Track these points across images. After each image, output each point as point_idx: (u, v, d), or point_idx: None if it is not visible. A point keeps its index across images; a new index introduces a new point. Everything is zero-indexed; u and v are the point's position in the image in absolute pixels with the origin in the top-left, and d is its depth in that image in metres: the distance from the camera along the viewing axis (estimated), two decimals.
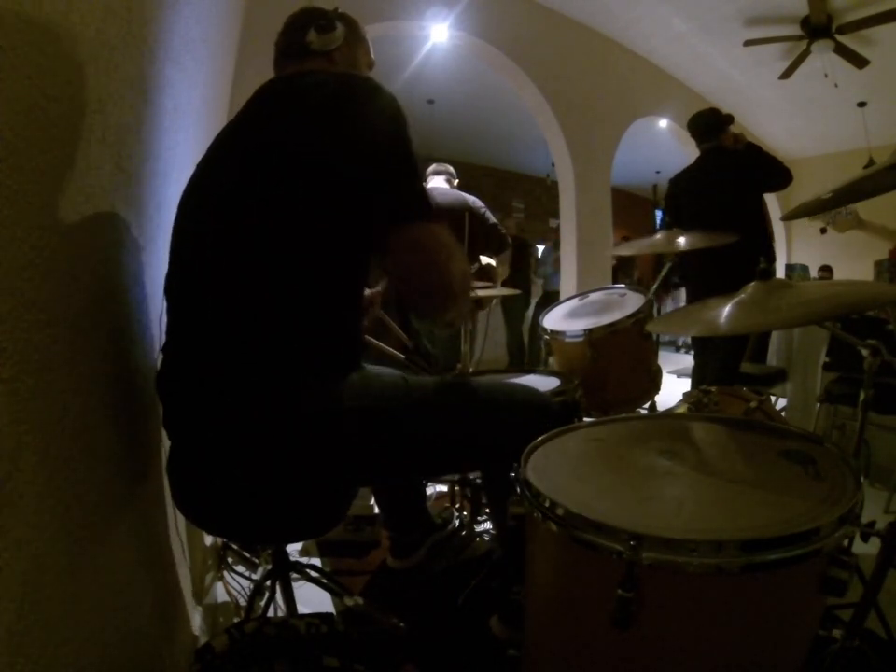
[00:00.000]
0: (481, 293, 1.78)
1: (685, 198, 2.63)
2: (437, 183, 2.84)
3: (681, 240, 1.90)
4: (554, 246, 5.24)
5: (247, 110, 0.92)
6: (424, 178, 0.94)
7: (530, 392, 1.06)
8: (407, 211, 0.87)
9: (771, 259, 2.56)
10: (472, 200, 2.73)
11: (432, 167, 2.94)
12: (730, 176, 2.48)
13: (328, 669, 0.85)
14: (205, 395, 0.82)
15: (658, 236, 1.95)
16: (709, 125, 2.59)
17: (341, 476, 0.89)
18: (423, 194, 0.90)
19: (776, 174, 2.49)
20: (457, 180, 2.97)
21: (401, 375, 0.97)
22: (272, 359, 0.83)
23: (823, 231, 6.96)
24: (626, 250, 2.87)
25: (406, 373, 1.00)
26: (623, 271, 6.75)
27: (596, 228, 4.42)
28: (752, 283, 0.94)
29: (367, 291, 1.35)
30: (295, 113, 0.86)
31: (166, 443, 0.91)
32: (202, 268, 0.86)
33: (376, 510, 1.76)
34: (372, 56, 1.16)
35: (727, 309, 0.90)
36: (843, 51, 4.33)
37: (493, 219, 2.80)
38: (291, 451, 0.82)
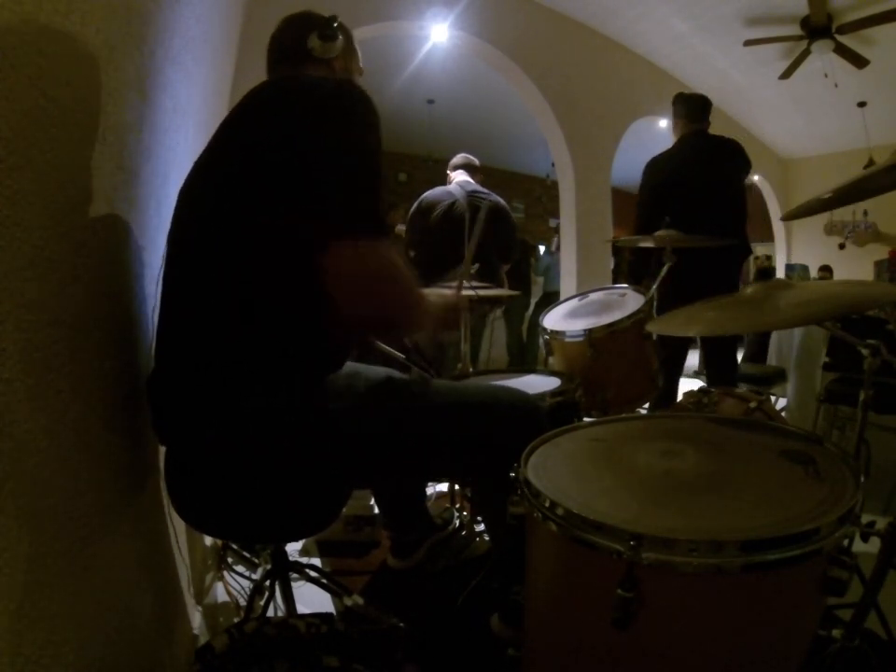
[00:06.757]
0: (483, 293, 1.78)
1: (673, 186, 2.44)
2: (460, 177, 2.82)
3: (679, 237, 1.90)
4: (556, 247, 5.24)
5: (238, 111, 0.90)
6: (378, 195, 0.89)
7: (517, 395, 1.04)
8: (351, 227, 0.82)
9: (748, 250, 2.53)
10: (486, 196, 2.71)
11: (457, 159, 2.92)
12: (720, 160, 2.43)
13: (328, 669, 0.84)
14: (194, 399, 0.83)
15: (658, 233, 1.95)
16: (700, 107, 2.53)
17: (329, 475, 0.89)
18: (374, 212, 0.85)
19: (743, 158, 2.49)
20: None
21: (390, 375, 0.96)
22: (254, 362, 0.83)
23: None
24: (625, 241, 2.84)
25: (402, 374, 1.00)
26: (619, 268, 6.73)
27: (596, 228, 4.42)
28: (752, 283, 0.94)
29: None
30: (279, 115, 0.85)
31: None
32: (187, 273, 0.87)
33: (376, 510, 1.76)
34: (362, 65, 1.16)
35: (727, 309, 0.90)
36: (843, 51, 4.32)
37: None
38: (277, 451, 0.82)
